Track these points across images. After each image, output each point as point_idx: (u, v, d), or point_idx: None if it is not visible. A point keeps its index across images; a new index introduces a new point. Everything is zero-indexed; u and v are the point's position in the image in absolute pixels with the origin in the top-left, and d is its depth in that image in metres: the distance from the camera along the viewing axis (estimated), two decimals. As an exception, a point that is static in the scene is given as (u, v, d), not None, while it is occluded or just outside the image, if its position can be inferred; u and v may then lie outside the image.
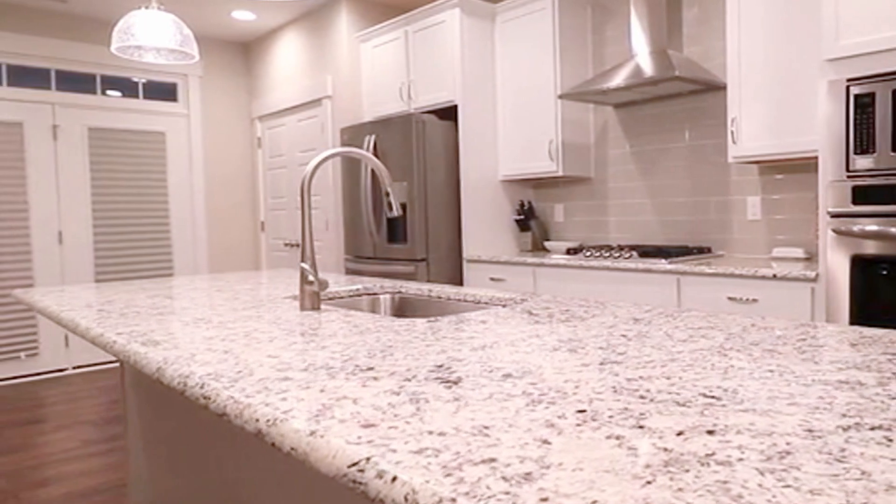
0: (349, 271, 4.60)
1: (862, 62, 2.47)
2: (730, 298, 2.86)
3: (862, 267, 2.48)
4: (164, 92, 5.74)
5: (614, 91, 3.54)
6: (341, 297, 2.22)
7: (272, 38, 5.82)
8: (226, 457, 1.76)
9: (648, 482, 0.57)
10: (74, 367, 5.25)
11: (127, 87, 5.54)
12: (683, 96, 3.72)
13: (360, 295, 2.27)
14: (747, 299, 2.80)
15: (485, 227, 4.28)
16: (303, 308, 1.70)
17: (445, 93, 4.23)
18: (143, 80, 5.63)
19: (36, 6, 5.03)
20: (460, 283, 4.26)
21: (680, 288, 3.04)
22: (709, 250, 3.53)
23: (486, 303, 1.97)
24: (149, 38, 2.42)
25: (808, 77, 2.88)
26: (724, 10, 3.52)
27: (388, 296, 2.30)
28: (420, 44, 4.39)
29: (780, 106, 2.97)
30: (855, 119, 2.47)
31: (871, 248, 2.46)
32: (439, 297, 2.13)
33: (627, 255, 3.35)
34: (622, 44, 4.02)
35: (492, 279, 4.01)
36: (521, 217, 4.39)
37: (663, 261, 3.15)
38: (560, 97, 3.73)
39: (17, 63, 4.99)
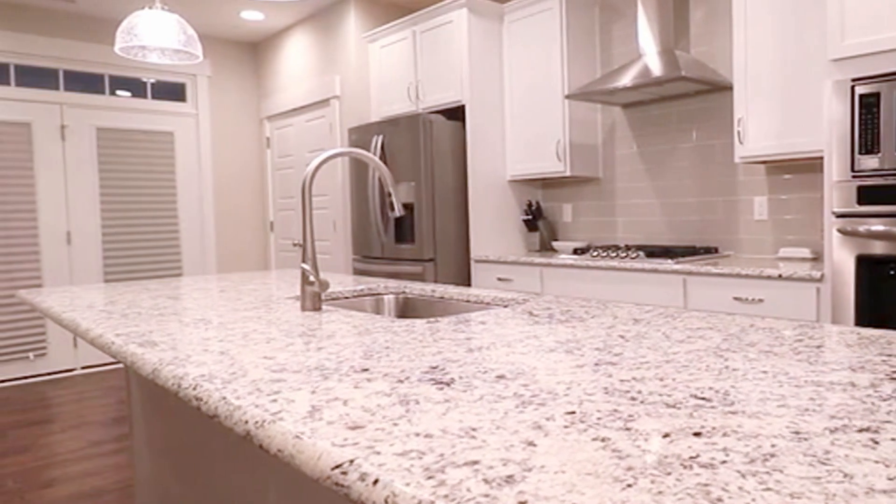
0: (357, 271, 4.61)
1: (867, 62, 2.45)
2: (735, 298, 2.84)
3: (868, 267, 2.46)
4: (172, 92, 5.77)
5: (622, 91, 3.53)
6: (345, 298, 2.23)
7: (281, 39, 5.84)
8: (231, 458, 1.76)
9: (629, 485, 0.57)
10: (83, 368, 5.29)
11: (135, 88, 5.57)
12: (690, 96, 3.71)
13: (363, 295, 2.27)
14: (753, 299, 2.79)
15: (492, 227, 4.28)
16: (304, 309, 1.71)
17: (453, 93, 4.23)
18: (152, 81, 5.67)
19: (44, 6, 5.07)
20: (468, 283, 4.26)
21: (686, 288, 3.02)
22: (716, 250, 3.51)
23: (488, 303, 1.97)
24: (152, 38, 2.43)
25: (815, 77, 2.86)
26: (730, 10, 3.50)
27: (391, 296, 2.30)
28: (428, 44, 4.39)
29: (787, 106, 2.95)
30: (860, 119, 2.44)
31: (876, 248, 2.44)
32: (442, 298, 2.13)
33: (634, 255, 3.34)
34: (629, 44, 4.00)
35: (499, 279, 4.01)
36: (529, 217, 4.38)
37: (669, 261, 3.14)
38: (567, 97, 3.72)
39: (25, 63, 5.03)
